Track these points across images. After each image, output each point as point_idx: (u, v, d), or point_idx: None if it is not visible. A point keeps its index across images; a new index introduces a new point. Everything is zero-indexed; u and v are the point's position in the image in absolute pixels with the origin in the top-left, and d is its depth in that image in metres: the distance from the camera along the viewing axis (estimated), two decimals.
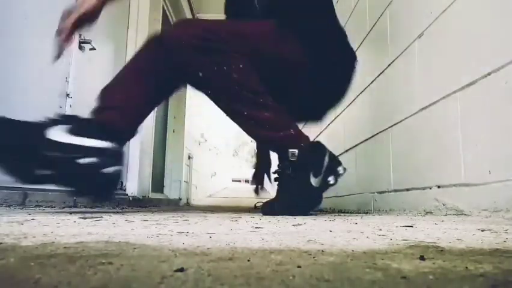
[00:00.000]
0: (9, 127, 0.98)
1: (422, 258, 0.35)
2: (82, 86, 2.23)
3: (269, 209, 1.19)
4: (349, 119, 2.12)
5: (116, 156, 1.11)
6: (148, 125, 3.20)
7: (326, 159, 1.18)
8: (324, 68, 1.30)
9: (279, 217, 1.05)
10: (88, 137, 1.02)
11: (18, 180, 0.99)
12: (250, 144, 22.09)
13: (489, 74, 0.94)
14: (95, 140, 1.04)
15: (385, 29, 1.59)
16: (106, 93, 1.19)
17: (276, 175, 1.26)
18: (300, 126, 1.29)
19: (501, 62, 0.89)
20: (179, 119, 4.45)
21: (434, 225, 0.72)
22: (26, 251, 0.37)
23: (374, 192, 1.67)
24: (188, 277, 0.28)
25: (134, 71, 1.23)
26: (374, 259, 0.35)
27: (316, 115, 1.57)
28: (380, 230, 0.64)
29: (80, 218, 0.86)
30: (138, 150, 2.90)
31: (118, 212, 1.27)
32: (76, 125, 1.04)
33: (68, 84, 2.04)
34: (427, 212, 1.19)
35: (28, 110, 1.71)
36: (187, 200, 4.63)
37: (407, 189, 1.36)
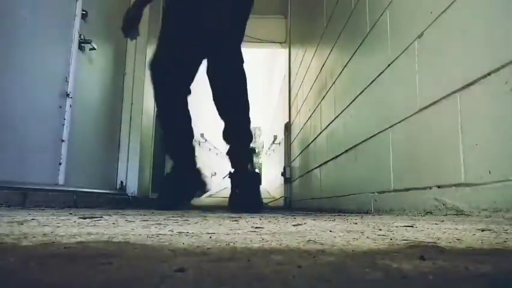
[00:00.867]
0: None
1: (422, 258, 0.35)
2: (82, 86, 2.22)
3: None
4: (349, 119, 2.12)
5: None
6: (148, 125, 3.20)
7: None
8: None
9: (279, 217, 1.05)
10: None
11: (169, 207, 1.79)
12: None
13: (489, 74, 0.93)
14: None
15: (385, 29, 1.59)
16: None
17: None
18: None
19: (501, 62, 0.89)
20: None
21: (434, 225, 0.72)
22: (26, 251, 0.37)
23: (374, 192, 1.67)
24: (188, 277, 0.28)
25: None
26: (374, 259, 0.35)
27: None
28: (380, 230, 0.64)
29: (80, 218, 0.86)
30: (138, 150, 2.90)
31: (118, 212, 1.27)
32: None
33: (68, 84, 2.04)
34: (427, 212, 1.19)
35: (28, 109, 1.72)
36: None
37: (407, 189, 1.36)
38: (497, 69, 0.90)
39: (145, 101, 3.03)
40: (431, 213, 1.17)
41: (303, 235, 0.56)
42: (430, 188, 1.19)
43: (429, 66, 1.24)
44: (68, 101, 2.03)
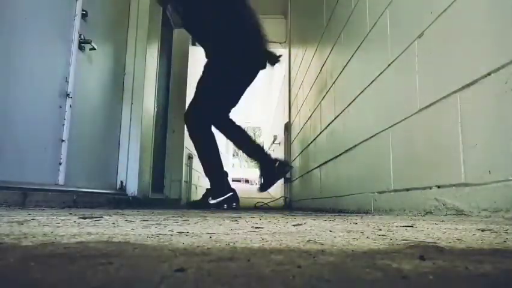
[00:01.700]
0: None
1: (422, 258, 0.35)
2: (82, 86, 2.22)
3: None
4: (349, 118, 2.12)
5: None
6: (148, 125, 3.20)
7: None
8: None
9: (279, 217, 1.05)
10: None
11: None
12: None
13: (489, 74, 0.93)
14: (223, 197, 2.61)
15: (385, 29, 1.59)
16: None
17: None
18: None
19: (501, 62, 0.89)
20: (179, 119, 4.45)
21: (434, 225, 0.72)
22: (26, 251, 0.37)
23: (374, 192, 1.67)
24: (188, 277, 0.28)
25: None
26: (374, 259, 0.35)
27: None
28: (380, 230, 0.64)
29: (80, 218, 0.86)
30: (138, 150, 2.91)
31: (118, 212, 1.27)
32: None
33: (68, 84, 2.04)
34: (427, 212, 1.19)
35: (28, 109, 1.72)
36: (187, 200, 4.63)
37: (407, 189, 1.36)
38: (497, 69, 0.90)
39: (145, 101, 3.03)
40: (431, 213, 1.17)
41: (303, 235, 0.56)
42: (430, 188, 1.19)
43: (429, 66, 1.24)
44: (68, 101, 2.03)
